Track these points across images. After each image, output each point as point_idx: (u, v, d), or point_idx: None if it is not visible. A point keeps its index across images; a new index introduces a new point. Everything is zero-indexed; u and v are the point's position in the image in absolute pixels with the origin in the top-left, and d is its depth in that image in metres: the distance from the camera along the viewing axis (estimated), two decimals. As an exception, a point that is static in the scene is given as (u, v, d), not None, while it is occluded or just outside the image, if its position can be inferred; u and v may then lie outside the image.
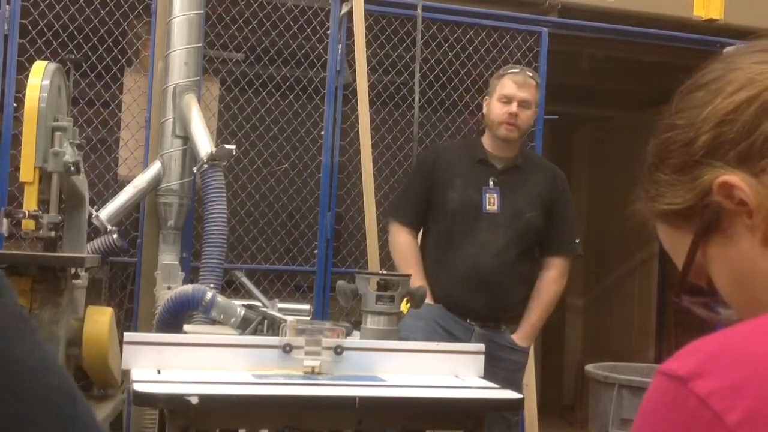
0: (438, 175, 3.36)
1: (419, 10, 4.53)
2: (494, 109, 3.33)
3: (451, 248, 3.33)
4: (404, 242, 3.41)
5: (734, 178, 0.80)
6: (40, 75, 2.82)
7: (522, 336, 3.34)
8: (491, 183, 3.31)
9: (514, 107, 3.29)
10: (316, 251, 4.52)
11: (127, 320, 4.31)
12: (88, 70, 4.28)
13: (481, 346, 2.61)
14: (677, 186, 0.86)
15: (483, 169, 3.34)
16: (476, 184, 3.32)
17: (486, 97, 3.44)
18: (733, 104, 0.82)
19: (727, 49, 4.95)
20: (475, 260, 3.27)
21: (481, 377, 2.52)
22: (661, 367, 0.75)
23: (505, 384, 2.58)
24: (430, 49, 4.73)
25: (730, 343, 0.73)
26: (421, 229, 3.48)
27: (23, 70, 3.75)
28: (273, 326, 2.87)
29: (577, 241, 3.42)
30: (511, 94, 3.30)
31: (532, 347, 3.64)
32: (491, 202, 3.30)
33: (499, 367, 3.16)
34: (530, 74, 3.41)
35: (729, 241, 0.82)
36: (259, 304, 3.24)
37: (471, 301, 3.27)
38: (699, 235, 0.84)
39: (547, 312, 3.39)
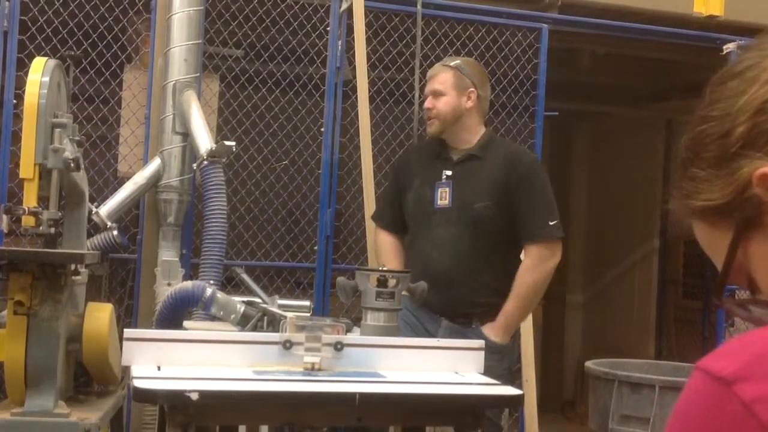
0: (402, 178, 3.42)
1: (419, 6, 4.52)
2: None
3: (411, 247, 3.37)
4: (382, 242, 3.47)
5: None
6: (39, 71, 2.82)
7: (493, 327, 3.18)
8: (444, 177, 3.28)
9: (427, 102, 3.33)
10: (316, 248, 4.52)
11: (127, 317, 4.32)
12: (87, 67, 4.27)
13: (482, 343, 2.62)
14: (714, 181, 0.81)
15: (439, 164, 3.32)
16: (431, 181, 3.30)
17: None
18: None
19: (729, 46, 4.95)
20: (428, 257, 3.24)
21: (481, 373, 2.53)
22: (702, 364, 0.70)
23: None
24: (430, 45, 4.72)
25: None
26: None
27: (23, 66, 3.74)
28: (273, 323, 2.88)
29: (551, 223, 3.20)
30: (427, 92, 3.37)
31: (531, 352, 3.58)
32: (443, 197, 3.27)
33: None
34: (445, 63, 3.38)
35: None
36: (259, 300, 3.25)
37: (432, 299, 3.15)
38: (739, 231, 0.79)
39: (524, 301, 3.20)
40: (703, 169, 0.82)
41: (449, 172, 3.28)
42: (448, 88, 3.29)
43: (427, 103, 3.33)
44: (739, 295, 0.88)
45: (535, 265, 3.20)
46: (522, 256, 3.31)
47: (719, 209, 0.81)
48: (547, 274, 3.22)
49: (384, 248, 3.46)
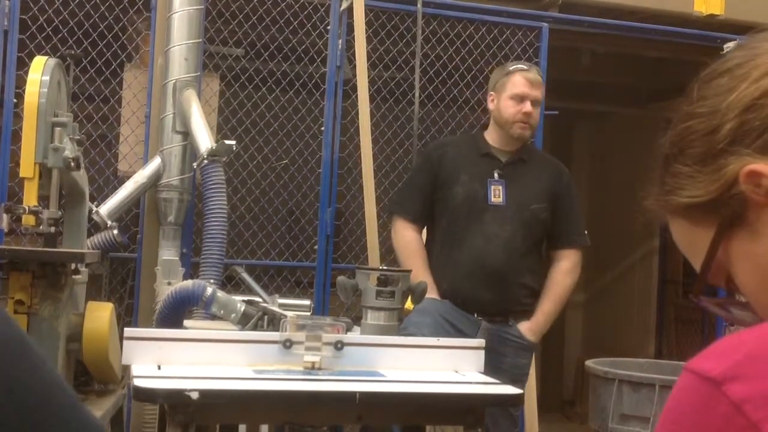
0: (443, 172, 3.34)
1: (419, 5, 4.52)
2: (507, 107, 3.30)
3: (458, 243, 3.30)
4: (409, 238, 3.37)
5: (763, 166, 0.75)
6: (40, 70, 2.82)
7: (532, 326, 3.29)
8: (496, 175, 3.30)
9: (528, 106, 3.29)
10: (316, 247, 4.52)
11: (127, 316, 4.31)
12: (88, 66, 4.27)
13: (482, 341, 2.61)
14: (698, 177, 0.80)
15: (488, 163, 3.34)
16: (481, 178, 3.31)
17: (491, 92, 3.39)
18: (760, 90, 0.77)
19: (729, 44, 4.95)
20: (482, 252, 3.25)
21: (481, 372, 2.52)
22: (691, 365, 0.70)
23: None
24: (430, 44, 4.72)
25: None
26: (426, 227, 3.48)
27: (23, 65, 3.74)
28: (273, 322, 2.87)
29: (585, 232, 3.44)
30: (525, 93, 3.30)
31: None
32: (496, 194, 3.29)
33: (504, 363, 3.16)
34: (537, 71, 3.45)
35: (755, 236, 0.77)
36: (259, 299, 3.25)
37: (478, 295, 3.24)
38: (722, 229, 0.79)
39: (560, 304, 3.36)
40: (688, 166, 0.82)
41: (500, 171, 3.32)
42: (540, 101, 3.38)
43: (528, 108, 3.29)
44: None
45: (572, 269, 3.38)
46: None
47: (703, 206, 0.80)
48: (577, 278, 3.41)
49: (410, 244, 3.36)
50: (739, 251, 0.79)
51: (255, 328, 2.90)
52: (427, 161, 3.45)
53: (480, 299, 3.26)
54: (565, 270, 3.36)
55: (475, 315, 3.27)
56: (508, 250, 3.26)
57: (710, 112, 0.80)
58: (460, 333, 3.21)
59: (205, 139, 3.94)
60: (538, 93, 3.34)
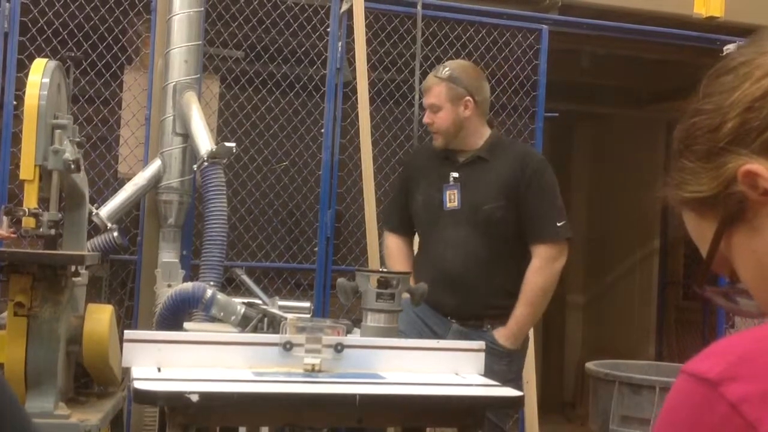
0: (410, 179, 3.40)
1: (419, 7, 4.53)
2: None
3: (422, 249, 3.35)
4: (390, 246, 3.44)
5: (759, 167, 0.76)
6: (40, 73, 2.82)
7: (504, 333, 3.16)
8: (451, 179, 3.25)
9: (425, 116, 3.31)
10: (316, 249, 4.53)
11: (127, 318, 4.31)
12: (88, 68, 4.27)
13: (482, 344, 2.61)
14: (701, 174, 0.82)
15: (445, 166, 3.29)
16: (438, 183, 3.28)
17: None
18: (761, 90, 0.78)
19: (729, 47, 4.95)
20: (441, 258, 3.22)
21: (481, 375, 2.52)
22: (687, 367, 0.71)
23: None
24: (430, 46, 4.72)
25: (764, 343, 0.69)
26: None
27: (23, 67, 3.74)
28: (273, 324, 2.87)
29: (559, 224, 3.18)
30: (424, 104, 3.34)
31: (532, 353, 3.54)
32: (451, 199, 3.24)
33: None
34: (438, 74, 3.29)
35: (754, 232, 0.79)
36: (259, 301, 3.25)
37: (443, 301, 3.19)
38: (723, 224, 0.81)
39: (534, 305, 3.18)
40: (692, 162, 0.83)
41: (456, 174, 3.26)
42: (443, 102, 3.24)
43: (426, 118, 3.29)
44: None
45: (542, 266, 3.17)
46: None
47: (705, 201, 0.82)
48: (555, 274, 3.20)
49: (390, 250, 3.44)
50: (739, 246, 0.81)
51: (255, 330, 2.90)
52: (401, 171, 3.54)
53: (446, 304, 3.20)
54: (534, 269, 3.17)
55: (449, 318, 3.22)
56: (465, 254, 3.19)
57: (714, 109, 0.82)
58: (434, 332, 3.20)
59: (205, 142, 3.94)
60: (431, 98, 3.26)
